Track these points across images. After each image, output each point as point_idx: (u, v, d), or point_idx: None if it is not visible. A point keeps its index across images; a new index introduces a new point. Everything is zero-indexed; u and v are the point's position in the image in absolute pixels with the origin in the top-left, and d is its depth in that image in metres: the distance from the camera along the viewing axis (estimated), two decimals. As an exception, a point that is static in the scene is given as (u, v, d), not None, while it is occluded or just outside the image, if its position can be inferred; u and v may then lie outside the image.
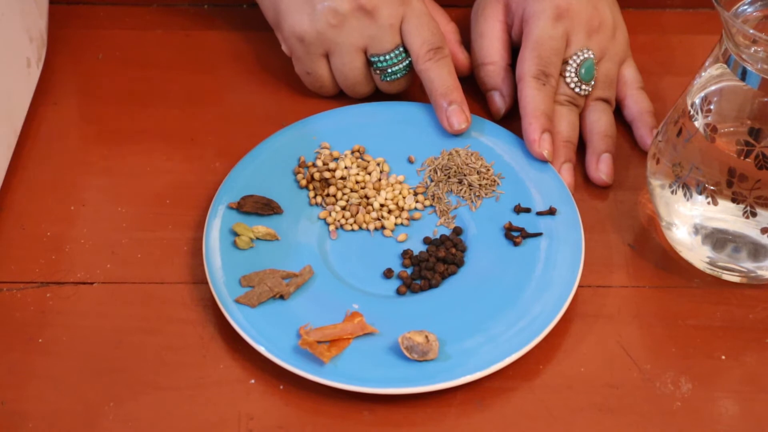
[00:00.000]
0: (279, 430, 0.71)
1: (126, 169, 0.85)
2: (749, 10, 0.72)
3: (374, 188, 0.82)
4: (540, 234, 0.79)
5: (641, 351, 0.75)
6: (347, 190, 0.82)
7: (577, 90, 0.86)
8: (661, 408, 0.72)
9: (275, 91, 0.91)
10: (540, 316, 0.74)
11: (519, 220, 0.80)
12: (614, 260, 0.80)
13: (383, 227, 0.81)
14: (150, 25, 0.96)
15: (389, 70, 0.86)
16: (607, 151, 0.85)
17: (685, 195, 0.75)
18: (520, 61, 0.86)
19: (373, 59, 0.86)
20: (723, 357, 0.75)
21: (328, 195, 0.82)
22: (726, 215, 0.74)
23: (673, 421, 0.72)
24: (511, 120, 0.88)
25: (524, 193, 0.81)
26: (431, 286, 0.77)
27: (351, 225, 0.81)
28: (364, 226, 0.81)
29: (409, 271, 0.79)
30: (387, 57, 0.86)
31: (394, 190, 0.83)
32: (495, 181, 0.82)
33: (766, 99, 0.71)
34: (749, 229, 0.74)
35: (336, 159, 0.84)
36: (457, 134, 0.85)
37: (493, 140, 0.85)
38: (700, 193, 0.74)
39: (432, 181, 0.83)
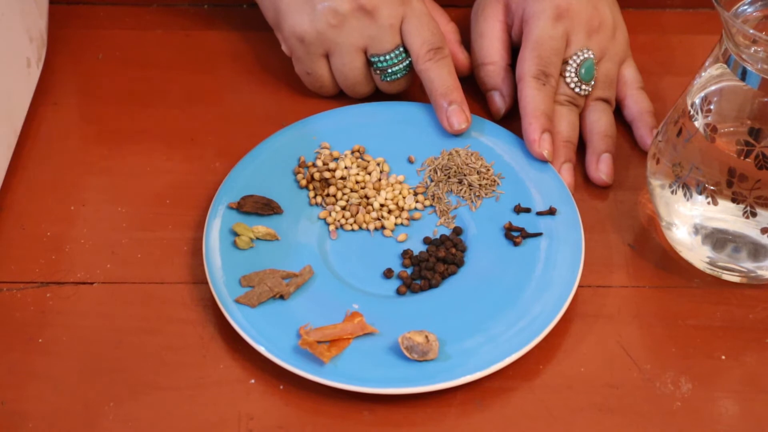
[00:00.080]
0: (279, 430, 0.71)
1: (126, 169, 0.85)
2: (749, 10, 0.72)
3: (374, 188, 0.82)
4: (540, 234, 0.79)
5: (641, 351, 0.75)
6: (347, 190, 0.82)
7: (577, 90, 0.86)
8: (661, 408, 0.72)
9: (275, 91, 0.91)
10: (540, 316, 0.74)
11: (519, 220, 0.80)
12: (614, 260, 0.80)
13: (383, 227, 0.81)
14: (150, 25, 0.96)
15: (389, 70, 0.86)
16: (607, 151, 0.85)
17: (685, 195, 0.75)
18: (520, 61, 0.86)
19: (373, 59, 0.86)
20: (723, 357, 0.75)
21: (328, 195, 0.82)
22: (726, 215, 0.74)
23: (673, 421, 0.72)
24: (511, 120, 0.88)
25: (524, 193, 0.81)
26: (431, 286, 0.77)
27: (351, 225, 0.81)
28: (364, 226, 0.81)
29: (409, 271, 0.79)
30: (387, 57, 0.86)
31: (394, 190, 0.83)
32: (495, 181, 0.82)
33: (766, 99, 0.71)
34: (749, 229, 0.74)
35: (336, 159, 0.84)
36: (457, 134, 0.85)
37: (493, 140, 0.85)
38: (700, 193, 0.74)
39: (432, 181, 0.83)
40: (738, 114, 0.72)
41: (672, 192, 0.76)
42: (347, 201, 0.82)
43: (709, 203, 0.74)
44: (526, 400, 0.73)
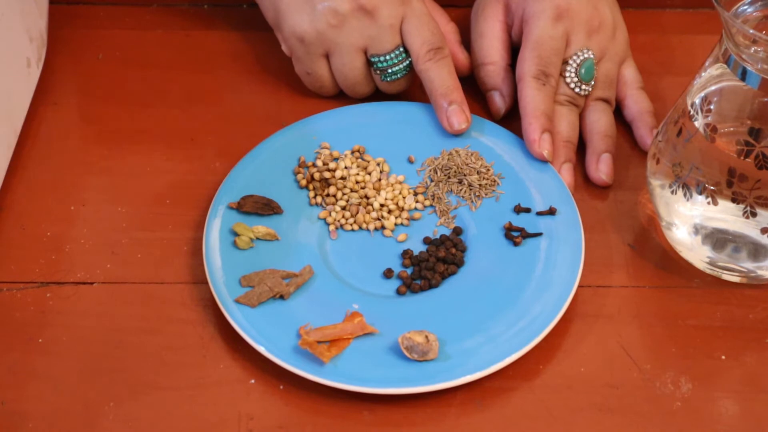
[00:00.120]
0: (279, 430, 0.71)
1: (126, 169, 0.85)
2: (749, 10, 0.72)
3: (374, 188, 0.82)
4: (540, 234, 0.79)
5: (641, 351, 0.75)
6: (347, 190, 0.82)
7: (577, 90, 0.86)
8: (661, 408, 0.72)
9: (275, 91, 0.91)
10: (540, 316, 0.74)
11: (519, 220, 0.80)
12: (614, 260, 0.80)
13: (383, 227, 0.81)
14: (150, 25, 0.96)
15: (389, 71, 0.86)
16: (607, 151, 0.85)
17: (685, 195, 0.75)
18: (520, 61, 0.86)
19: (373, 59, 0.86)
20: (723, 357, 0.75)
21: (328, 195, 0.82)
22: (726, 215, 0.74)
23: (673, 421, 0.72)
24: (511, 120, 0.88)
25: (524, 193, 0.81)
26: (431, 286, 0.77)
27: (351, 225, 0.81)
28: (364, 226, 0.81)
29: (409, 271, 0.79)
30: (387, 57, 0.86)
31: (394, 190, 0.83)
32: (495, 181, 0.82)
33: (766, 99, 0.71)
34: (749, 229, 0.74)
35: (336, 159, 0.84)
36: (457, 134, 0.85)
37: (493, 140, 0.85)
38: (700, 193, 0.74)
39: (432, 181, 0.83)
40: (738, 114, 0.72)
41: (672, 192, 0.76)
42: (347, 201, 0.82)
43: (709, 203, 0.74)
44: (526, 400, 0.73)
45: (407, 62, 0.86)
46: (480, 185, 0.82)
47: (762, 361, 0.75)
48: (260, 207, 0.80)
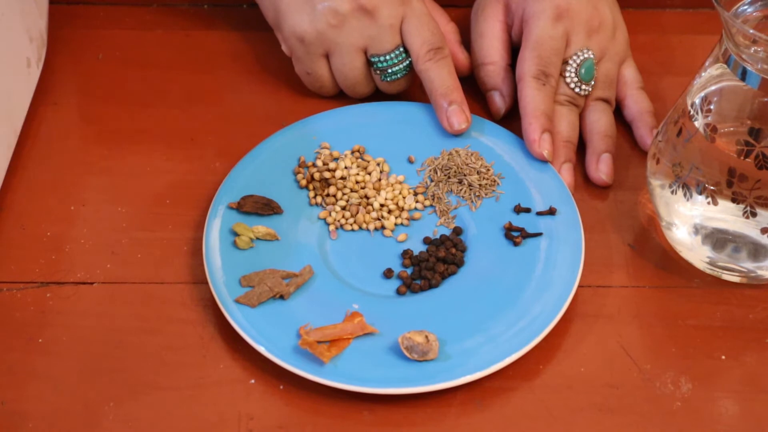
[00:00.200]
0: (279, 430, 0.71)
1: (126, 169, 0.85)
2: (749, 10, 0.72)
3: (374, 188, 0.82)
4: (540, 234, 0.79)
5: (641, 351, 0.75)
6: (347, 190, 0.82)
7: (577, 90, 0.86)
8: (661, 408, 0.72)
9: (275, 91, 0.91)
10: (540, 316, 0.74)
11: (519, 220, 0.80)
12: (614, 260, 0.80)
13: (383, 227, 0.81)
14: (150, 25, 0.96)
15: (389, 71, 0.86)
16: (607, 151, 0.85)
17: (685, 195, 0.75)
18: (520, 61, 0.86)
19: (373, 59, 0.86)
20: (723, 357, 0.75)
21: (328, 195, 0.82)
22: (726, 215, 0.74)
23: (673, 421, 0.72)
24: (511, 120, 0.88)
25: (524, 193, 0.81)
26: (431, 286, 0.77)
27: (351, 225, 0.81)
28: (364, 226, 0.81)
29: (409, 271, 0.79)
30: (387, 57, 0.86)
31: (394, 190, 0.83)
32: (495, 181, 0.82)
33: (766, 99, 0.71)
34: (749, 229, 0.74)
35: (336, 159, 0.84)
36: (457, 134, 0.85)
37: (493, 140, 0.85)
38: (700, 193, 0.74)
39: (432, 181, 0.83)
40: (738, 114, 0.72)
41: (672, 192, 0.76)
42: (347, 201, 0.82)
43: (709, 203, 0.74)
44: (526, 400, 0.73)
45: (407, 62, 0.86)
46: (480, 185, 0.82)
47: (762, 361, 0.75)
48: (260, 207, 0.80)
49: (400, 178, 0.83)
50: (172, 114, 0.89)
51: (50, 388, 0.73)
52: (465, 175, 0.82)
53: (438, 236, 0.81)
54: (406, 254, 0.79)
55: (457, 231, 0.80)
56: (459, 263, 0.78)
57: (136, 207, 0.83)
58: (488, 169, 0.83)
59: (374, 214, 0.81)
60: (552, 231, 0.79)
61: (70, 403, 0.72)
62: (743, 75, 0.71)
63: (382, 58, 0.86)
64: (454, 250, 0.79)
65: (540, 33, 0.85)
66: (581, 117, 0.87)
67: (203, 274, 0.77)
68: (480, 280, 0.77)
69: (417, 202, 0.82)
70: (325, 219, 0.81)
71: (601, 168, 0.84)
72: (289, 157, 0.84)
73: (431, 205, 0.82)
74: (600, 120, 0.86)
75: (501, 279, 0.77)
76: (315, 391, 0.72)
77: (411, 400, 0.72)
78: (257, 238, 0.79)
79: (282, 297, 0.76)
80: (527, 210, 0.80)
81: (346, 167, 0.83)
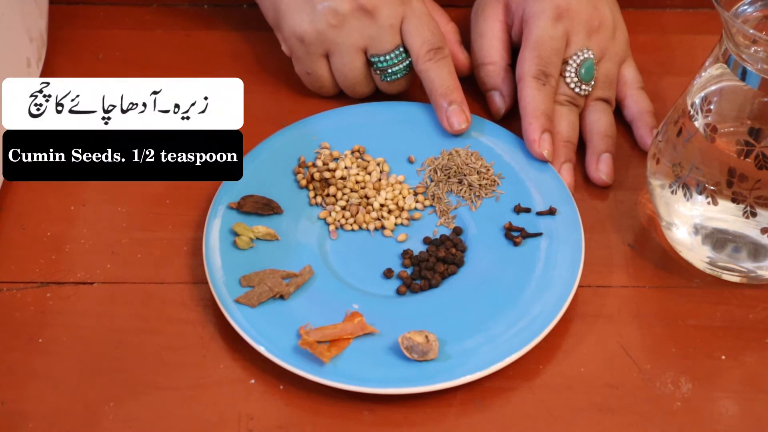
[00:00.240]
0: (279, 430, 0.71)
1: (126, 169, 0.86)
2: (749, 10, 0.72)
3: (374, 188, 0.82)
4: (540, 234, 0.79)
5: (641, 351, 0.75)
6: (347, 190, 0.82)
7: (577, 90, 0.86)
8: (661, 408, 0.72)
9: (275, 91, 0.91)
10: (540, 316, 0.74)
11: (519, 220, 0.80)
12: (614, 260, 0.80)
13: (383, 227, 0.81)
14: (150, 25, 0.96)
15: (389, 71, 0.86)
16: (607, 151, 0.85)
17: (685, 195, 0.75)
18: (520, 61, 0.86)
19: (373, 59, 0.86)
20: (723, 357, 0.75)
21: (328, 195, 0.82)
22: (726, 215, 0.74)
23: (673, 421, 0.72)
24: (511, 120, 0.88)
25: (524, 193, 0.81)
26: (431, 286, 0.77)
27: (351, 225, 0.81)
28: (364, 226, 0.81)
29: (409, 271, 0.79)
30: (387, 57, 0.86)
31: (394, 190, 0.83)
32: (495, 181, 0.82)
33: (766, 99, 0.71)
34: (749, 229, 0.74)
35: (336, 159, 0.84)
36: (457, 134, 0.85)
37: (493, 140, 0.85)
38: (700, 193, 0.74)
39: (432, 181, 0.83)
40: (738, 114, 0.72)
41: (672, 192, 0.76)
42: (347, 201, 0.82)
43: (709, 203, 0.74)
44: (526, 400, 0.73)
45: (407, 62, 0.86)
46: (480, 185, 0.82)
47: (762, 361, 0.75)
48: (260, 207, 0.80)
49: (400, 178, 0.83)
50: (172, 114, 0.89)
51: (50, 388, 0.73)
52: (465, 175, 0.82)
53: (438, 236, 0.81)
54: (406, 254, 0.79)
55: (457, 231, 0.80)
56: (459, 263, 0.78)
57: (136, 207, 0.83)
58: (488, 169, 0.83)
59: (374, 214, 0.81)
60: (552, 231, 0.79)
61: (70, 403, 0.72)
62: (743, 75, 0.71)
63: (382, 58, 0.86)
64: (454, 250, 0.78)
65: (540, 33, 0.85)
66: (581, 117, 0.87)
67: (203, 274, 0.77)
68: (480, 280, 0.77)
69: (417, 202, 0.82)
70: (325, 219, 0.81)
71: (601, 168, 0.84)
72: (289, 157, 0.84)
73: (431, 205, 0.82)
74: (600, 120, 0.86)
75: (501, 279, 0.77)
76: (315, 391, 0.72)
77: (411, 400, 0.72)
78: (257, 238, 0.79)
79: (282, 297, 0.76)
80: (527, 210, 0.80)
81: (346, 167, 0.83)
